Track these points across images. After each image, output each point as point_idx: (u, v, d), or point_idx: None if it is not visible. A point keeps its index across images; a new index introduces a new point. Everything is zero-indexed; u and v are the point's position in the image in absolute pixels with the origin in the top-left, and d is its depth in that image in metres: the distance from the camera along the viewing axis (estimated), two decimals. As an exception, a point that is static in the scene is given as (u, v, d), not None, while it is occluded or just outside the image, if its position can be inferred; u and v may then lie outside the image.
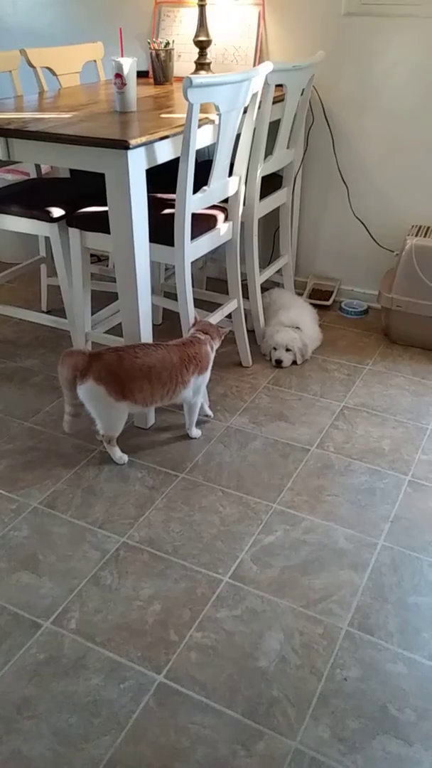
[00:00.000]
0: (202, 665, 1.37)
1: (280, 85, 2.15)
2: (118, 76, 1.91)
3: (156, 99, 2.24)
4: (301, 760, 1.20)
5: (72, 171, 2.65)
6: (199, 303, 2.11)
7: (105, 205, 1.82)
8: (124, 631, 1.44)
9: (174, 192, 1.84)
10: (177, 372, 1.84)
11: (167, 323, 2.71)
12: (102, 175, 1.75)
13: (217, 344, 1.98)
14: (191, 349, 1.88)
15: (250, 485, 1.86)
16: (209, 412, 2.12)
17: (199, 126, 1.79)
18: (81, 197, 2.18)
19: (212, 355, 1.96)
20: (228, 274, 2.28)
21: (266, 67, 1.98)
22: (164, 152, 1.82)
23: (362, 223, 2.79)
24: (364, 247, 2.83)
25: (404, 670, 1.35)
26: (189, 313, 2.04)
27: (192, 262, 2.00)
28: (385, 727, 1.25)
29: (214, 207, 2.11)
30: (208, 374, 1.96)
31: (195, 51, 2.52)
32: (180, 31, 2.70)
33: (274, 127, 2.26)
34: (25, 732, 1.24)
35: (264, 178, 2.31)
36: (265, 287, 2.63)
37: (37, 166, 2.68)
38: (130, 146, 1.66)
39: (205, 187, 1.93)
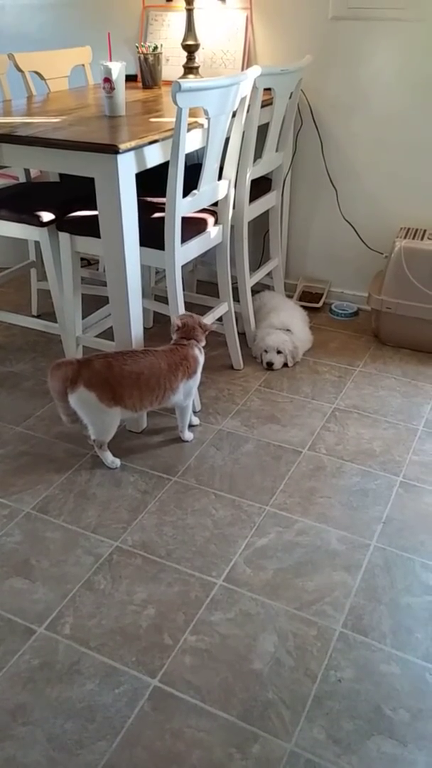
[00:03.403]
0: (197, 669, 1.37)
1: (269, 89, 2.15)
2: (107, 80, 1.92)
3: (145, 103, 2.24)
4: (296, 762, 1.20)
5: (61, 175, 2.65)
6: (189, 306, 2.12)
7: (95, 209, 1.82)
8: (118, 635, 1.44)
9: (164, 196, 1.85)
10: (165, 378, 1.84)
11: (158, 327, 2.71)
12: (92, 179, 1.75)
13: (202, 342, 1.97)
14: (178, 355, 1.89)
15: (243, 488, 1.86)
16: (195, 421, 2.12)
17: (188, 130, 1.80)
18: (71, 201, 2.17)
19: (201, 358, 1.96)
20: (218, 277, 2.28)
21: (254, 71, 1.99)
22: (154, 156, 1.83)
23: (351, 225, 2.80)
24: (353, 250, 2.84)
25: (398, 671, 1.36)
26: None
27: (182, 266, 2.00)
28: (379, 728, 1.26)
29: (203, 210, 2.12)
30: (197, 377, 1.96)
31: (183, 55, 2.52)
32: (168, 35, 2.71)
33: (263, 130, 2.27)
34: (19, 738, 1.24)
35: (253, 182, 2.32)
36: (256, 290, 2.64)
37: (27, 170, 2.67)
38: (120, 150, 1.66)
39: (194, 191, 1.94)
